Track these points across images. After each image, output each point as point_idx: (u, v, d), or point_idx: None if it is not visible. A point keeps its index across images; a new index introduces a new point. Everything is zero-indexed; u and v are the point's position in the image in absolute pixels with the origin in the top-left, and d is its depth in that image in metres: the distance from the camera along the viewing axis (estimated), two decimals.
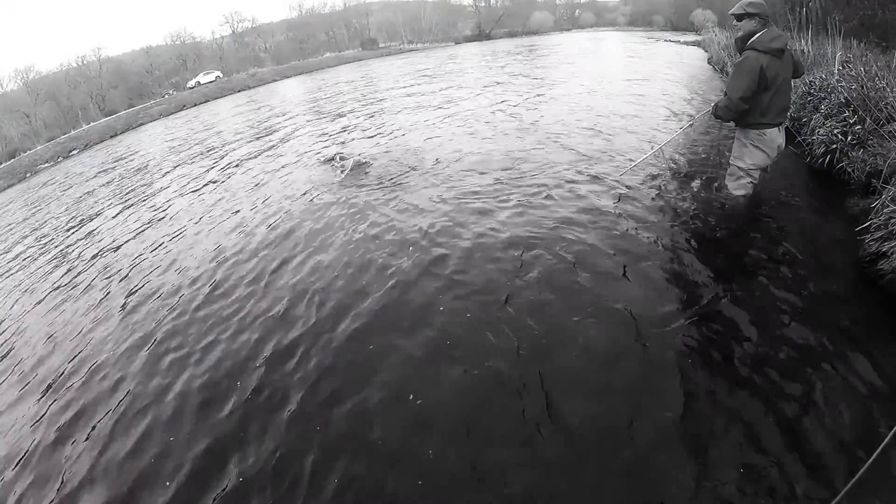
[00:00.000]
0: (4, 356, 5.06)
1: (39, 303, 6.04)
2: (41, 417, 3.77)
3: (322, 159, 9.09)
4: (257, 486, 2.64)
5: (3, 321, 5.95)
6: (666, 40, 29.55)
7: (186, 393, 3.53)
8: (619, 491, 2.27)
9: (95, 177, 14.79)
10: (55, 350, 4.75)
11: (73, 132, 33.33)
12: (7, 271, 7.94)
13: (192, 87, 42.18)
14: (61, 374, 4.29)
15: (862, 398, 2.48)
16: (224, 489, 2.67)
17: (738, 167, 4.40)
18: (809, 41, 8.30)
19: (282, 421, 3.07)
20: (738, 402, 2.58)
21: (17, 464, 3.35)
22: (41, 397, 4.06)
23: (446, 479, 2.47)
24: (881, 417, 2.35)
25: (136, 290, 5.44)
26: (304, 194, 7.25)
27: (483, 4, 63.32)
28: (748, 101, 3.93)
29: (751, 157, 4.27)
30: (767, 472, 2.21)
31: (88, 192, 12.49)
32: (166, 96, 41.12)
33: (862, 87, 5.13)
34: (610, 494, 2.27)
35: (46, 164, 24.32)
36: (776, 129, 4.11)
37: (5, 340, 5.39)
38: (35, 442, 3.51)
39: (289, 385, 3.36)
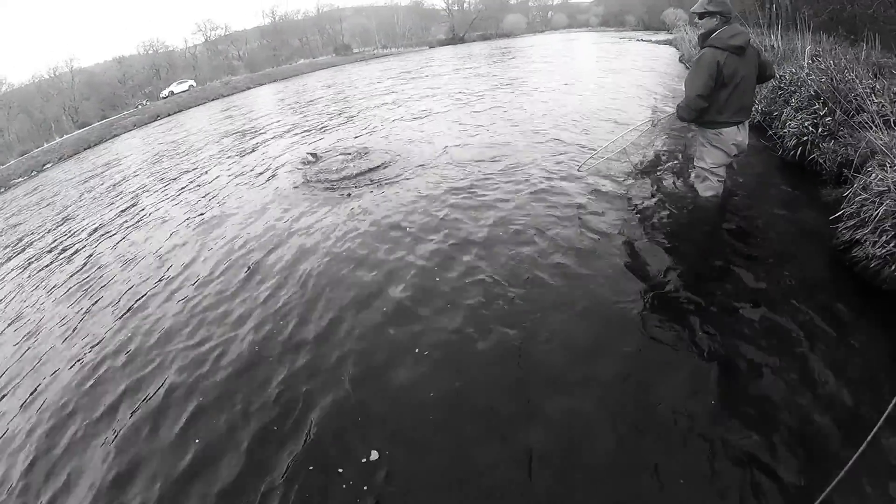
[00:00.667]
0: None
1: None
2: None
3: (305, 160, 9.06)
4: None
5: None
6: (638, 40, 29.97)
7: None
8: (604, 484, 2.28)
9: (70, 190, 14.49)
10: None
11: (46, 145, 32.55)
12: None
13: (166, 97, 41.65)
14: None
15: (841, 383, 2.52)
16: None
17: (701, 168, 4.41)
18: (779, 37, 8.47)
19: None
20: (720, 393, 2.62)
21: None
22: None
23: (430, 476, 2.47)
24: (863, 402, 2.40)
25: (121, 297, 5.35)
26: (297, 189, 7.39)
27: (456, 8, 63.61)
28: (706, 98, 3.91)
29: (710, 157, 4.28)
30: (752, 461, 2.23)
31: (64, 207, 12.23)
32: (140, 107, 40.39)
33: (831, 79, 5.24)
34: (596, 488, 2.27)
35: (20, 179, 23.79)
36: (734, 127, 4.07)
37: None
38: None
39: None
